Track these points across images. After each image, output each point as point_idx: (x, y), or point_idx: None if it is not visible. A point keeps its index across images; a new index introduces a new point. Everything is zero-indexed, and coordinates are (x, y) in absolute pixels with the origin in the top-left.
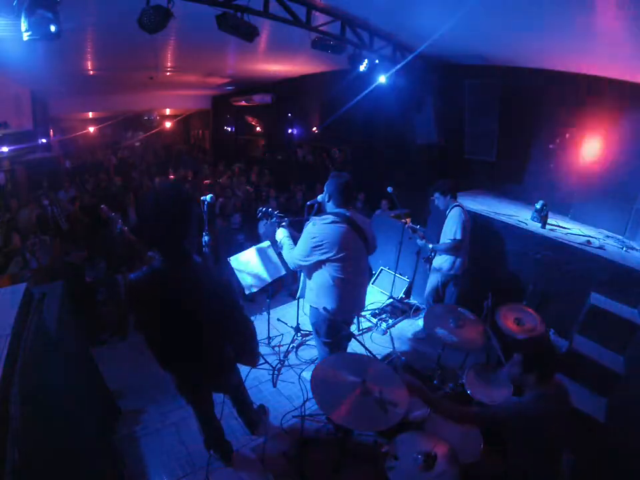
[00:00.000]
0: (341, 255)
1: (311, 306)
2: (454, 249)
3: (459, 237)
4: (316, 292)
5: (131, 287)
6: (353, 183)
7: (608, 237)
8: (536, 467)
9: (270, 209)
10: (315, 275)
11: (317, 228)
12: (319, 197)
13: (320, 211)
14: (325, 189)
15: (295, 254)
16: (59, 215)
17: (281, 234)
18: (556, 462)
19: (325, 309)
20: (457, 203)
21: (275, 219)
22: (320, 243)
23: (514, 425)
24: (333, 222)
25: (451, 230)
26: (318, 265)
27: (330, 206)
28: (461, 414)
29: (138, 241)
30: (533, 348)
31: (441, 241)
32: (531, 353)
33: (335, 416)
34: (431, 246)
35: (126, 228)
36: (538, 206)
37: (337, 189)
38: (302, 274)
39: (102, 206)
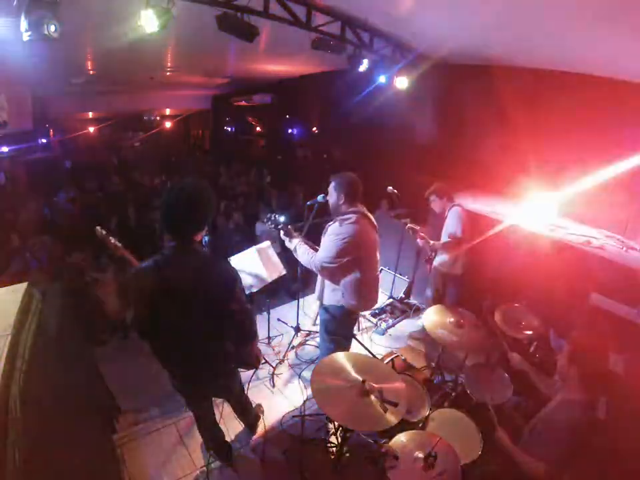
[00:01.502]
0: (369, 252)
1: (327, 304)
2: (455, 247)
3: (459, 234)
4: (342, 291)
5: (135, 273)
6: (360, 180)
7: (608, 236)
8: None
9: (276, 216)
10: (342, 274)
11: (344, 228)
12: (319, 197)
13: (320, 211)
14: (334, 189)
15: (321, 257)
16: (58, 216)
17: (295, 242)
18: (569, 466)
19: (349, 305)
20: (456, 203)
21: (280, 225)
22: (350, 243)
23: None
24: (356, 221)
25: (452, 229)
26: (346, 263)
27: (344, 206)
28: (534, 471)
29: (133, 258)
30: (584, 343)
31: (442, 240)
32: (581, 346)
33: (335, 416)
34: (431, 242)
35: (120, 244)
36: (538, 206)
37: (349, 188)
38: (318, 276)
39: (97, 227)
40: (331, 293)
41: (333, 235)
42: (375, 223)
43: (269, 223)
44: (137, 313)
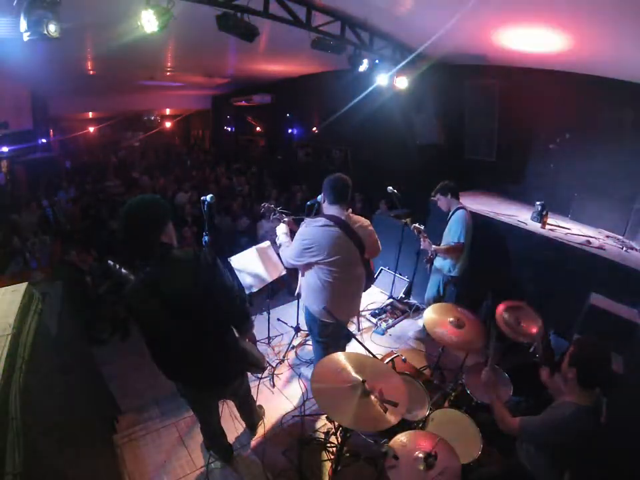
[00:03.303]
0: (331, 259)
1: (305, 305)
2: (456, 251)
3: (462, 240)
4: (306, 292)
5: (127, 295)
6: (348, 181)
7: (608, 237)
8: (546, 471)
9: (272, 204)
10: (307, 275)
11: (307, 230)
12: (319, 197)
13: (320, 211)
14: (323, 190)
15: (288, 253)
16: (59, 216)
17: (281, 230)
18: (567, 470)
19: (324, 308)
20: (461, 205)
21: (276, 214)
22: (310, 246)
23: (553, 440)
24: (324, 225)
25: (455, 233)
26: (309, 266)
27: (325, 206)
28: (509, 424)
29: None
30: (586, 347)
31: (443, 242)
32: (582, 350)
33: (335, 416)
34: (433, 247)
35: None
36: (538, 206)
37: (329, 187)
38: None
39: (109, 262)
40: (302, 291)
41: (298, 234)
42: (360, 235)
43: (263, 210)
44: (142, 332)
